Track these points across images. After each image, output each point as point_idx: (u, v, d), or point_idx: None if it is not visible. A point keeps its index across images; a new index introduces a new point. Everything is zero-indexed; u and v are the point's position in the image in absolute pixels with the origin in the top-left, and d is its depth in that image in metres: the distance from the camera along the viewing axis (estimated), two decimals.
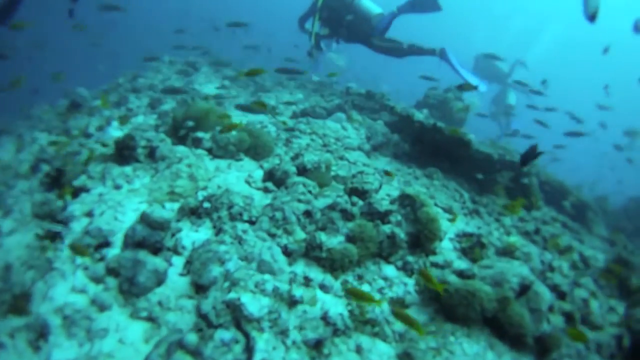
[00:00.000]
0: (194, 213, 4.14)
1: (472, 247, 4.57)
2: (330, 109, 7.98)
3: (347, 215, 3.95)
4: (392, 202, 4.37)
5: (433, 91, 10.16)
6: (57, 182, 4.64)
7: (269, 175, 4.84)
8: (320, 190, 4.40)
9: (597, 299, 4.68)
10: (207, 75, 10.69)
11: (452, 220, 4.84)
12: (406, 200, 4.15)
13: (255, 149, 5.56)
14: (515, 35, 46.24)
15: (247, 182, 4.82)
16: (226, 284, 3.02)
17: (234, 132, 5.38)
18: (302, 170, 4.76)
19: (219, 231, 3.69)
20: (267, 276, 3.06)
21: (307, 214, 3.87)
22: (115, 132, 6.16)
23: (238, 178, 4.91)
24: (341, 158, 6.01)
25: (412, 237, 4.04)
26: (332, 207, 3.97)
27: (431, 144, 6.80)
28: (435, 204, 5.57)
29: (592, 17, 4.96)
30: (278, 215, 3.75)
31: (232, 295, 2.88)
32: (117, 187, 4.45)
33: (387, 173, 4.98)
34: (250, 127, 5.77)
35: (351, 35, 9.00)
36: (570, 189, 9.09)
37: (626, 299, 5.26)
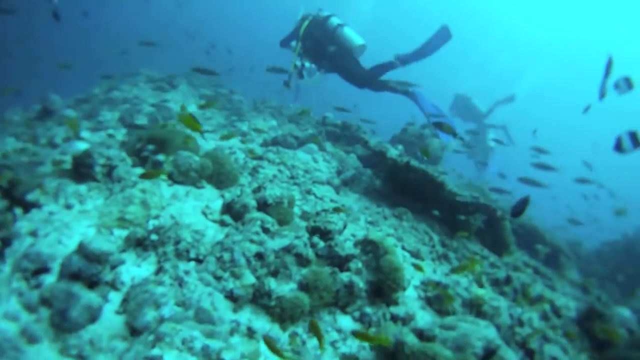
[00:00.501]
0: (140, 244, 3.81)
1: (437, 297, 4.30)
2: (303, 139, 7.72)
3: (302, 261, 3.64)
4: (356, 245, 4.11)
5: (410, 126, 9.99)
6: (9, 194, 4.30)
7: (228, 208, 4.52)
8: (278, 229, 4.11)
9: (567, 356, 4.46)
10: (184, 94, 10.42)
11: (418, 268, 4.56)
12: (369, 246, 3.88)
13: (219, 176, 5.26)
14: (499, 74, 47.12)
15: (204, 213, 4.50)
16: (151, 338, 2.68)
17: (196, 158, 5.09)
18: (263, 205, 4.44)
19: (159, 270, 3.35)
20: (196, 332, 2.71)
21: (259, 256, 3.54)
22: (82, 145, 5.87)
23: (195, 208, 4.59)
24: (308, 192, 5.73)
25: (373, 286, 3.75)
26: (287, 249, 3.67)
27: (404, 183, 6.57)
28: (403, 247, 5.31)
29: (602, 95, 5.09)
30: (226, 256, 3.43)
31: (155, 351, 2.54)
32: (69, 207, 4.11)
33: (336, 210, 4.70)
34: (215, 153, 5.48)
35: (333, 67, 8.76)
36: (543, 233, 8.99)
37: (598, 353, 5.05)
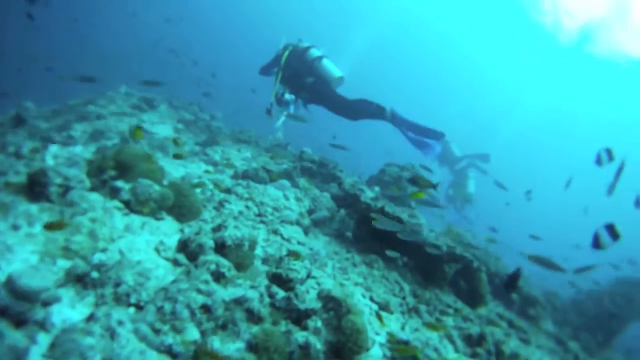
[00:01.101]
0: (80, 280, 3.43)
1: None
2: (276, 174, 7.39)
3: (254, 317, 3.27)
4: (319, 296, 3.77)
5: (389, 167, 9.72)
6: None
7: (183, 246, 4.15)
8: (234, 275, 3.74)
9: None
10: (162, 116, 10.09)
11: (380, 319, 4.23)
12: (331, 303, 3.53)
13: (180, 208, 4.89)
14: (481, 123, 47.92)
15: (157, 250, 4.11)
16: None
17: (157, 187, 4.74)
18: (221, 246, 4.07)
19: (91, 317, 2.96)
20: None
21: (206, 308, 3.17)
22: (50, 159, 5.53)
23: (148, 243, 4.20)
24: (275, 232, 5.38)
25: (333, 347, 3.40)
26: (239, 301, 3.30)
27: (377, 228, 6.27)
28: (372, 299, 4.97)
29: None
30: (167, 307, 3.04)
31: None
32: (16, 228, 3.72)
33: (292, 253, 4.35)
34: (178, 183, 5.13)
35: (311, 98, 8.60)
36: (521, 285, 8.77)
37: None
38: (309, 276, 4.14)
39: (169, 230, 4.57)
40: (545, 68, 41.67)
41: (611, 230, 4.63)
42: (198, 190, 5.78)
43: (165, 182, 5.22)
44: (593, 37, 33.87)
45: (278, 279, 3.92)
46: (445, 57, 49.74)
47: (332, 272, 5.07)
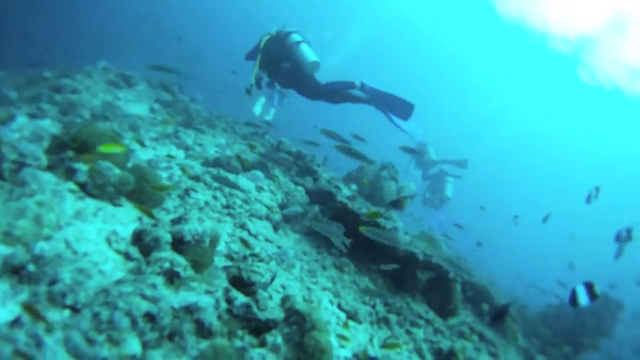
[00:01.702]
0: (16, 273, 3.05)
1: None
2: (251, 163, 7.01)
3: (204, 331, 2.91)
4: (283, 306, 3.44)
5: (369, 165, 9.42)
6: None
7: (137, 238, 3.77)
8: (190, 276, 3.37)
9: None
10: (140, 95, 9.63)
11: (343, 339, 3.92)
12: (294, 317, 3.20)
13: (140, 195, 4.51)
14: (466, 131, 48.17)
15: (108, 241, 3.72)
16: None
17: (117, 170, 4.36)
18: (179, 242, 3.70)
19: (16, 321, 2.58)
20: None
21: (150, 317, 2.78)
22: (13, 133, 5.10)
23: (100, 232, 3.80)
24: (242, 227, 5.03)
25: None
26: (190, 309, 2.94)
27: (351, 228, 5.95)
28: (340, 306, 4.66)
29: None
30: (104, 314, 2.64)
31: None
32: None
33: (253, 255, 4.02)
34: (142, 167, 4.73)
35: (287, 82, 8.65)
36: (493, 295, 8.64)
37: None
38: (273, 280, 3.80)
39: (126, 219, 4.19)
40: (537, 79, 41.69)
41: (589, 289, 4.55)
42: (165, 174, 5.41)
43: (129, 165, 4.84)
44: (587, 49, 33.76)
45: (239, 282, 3.58)
46: (434, 59, 49.68)
47: (299, 275, 4.75)
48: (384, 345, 4.31)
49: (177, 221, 3.91)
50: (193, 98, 11.83)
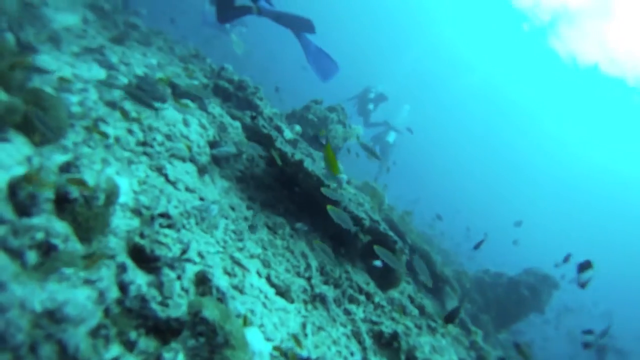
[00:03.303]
0: None
1: None
2: (183, 90, 5.87)
3: (66, 357, 1.93)
4: (197, 282, 2.55)
5: (315, 105, 8.43)
6: None
7: (12, 191, 2.72)
8: (68, 253, 2.38)
9: None
10: (74, 3, 8.14)
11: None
12: (201, 326, 2.27)
13: (35, 126, 3.41)
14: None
15: None
16: None
17: (2, 96, 3.28)
18: (63, 200, 2.69)
19: None
20: None
21: None
22: None
23: None
24: (159, 170, 4.02)
25: None
26: (54, 317, 1.95)
27: (290, 177, 5.05)
28: (269, 278, 3.80)
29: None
30: None
31: None
32: None
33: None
34: (40, 91, 3.58)
35: None
36: (435, 261, 8.14)
37: None
38: (185, 252, 2.87)
39: (10, 159, 3.10)
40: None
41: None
42: (75, 99, 4.28)
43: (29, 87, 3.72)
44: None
45: (139, 255, 2.65)
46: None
47: (223, 237, 3.83)
48: None
49: (65, 168, 2.88)
50: (136, 12, 10.48)
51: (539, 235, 42.96)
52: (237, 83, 7.25)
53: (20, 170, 3.00)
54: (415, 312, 5.70)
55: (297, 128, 7.36)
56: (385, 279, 5.58)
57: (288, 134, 5.42)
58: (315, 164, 5.56)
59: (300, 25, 7.14)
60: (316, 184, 4.67)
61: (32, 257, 2.27)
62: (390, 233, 5.18)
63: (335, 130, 8.03)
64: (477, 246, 6.94)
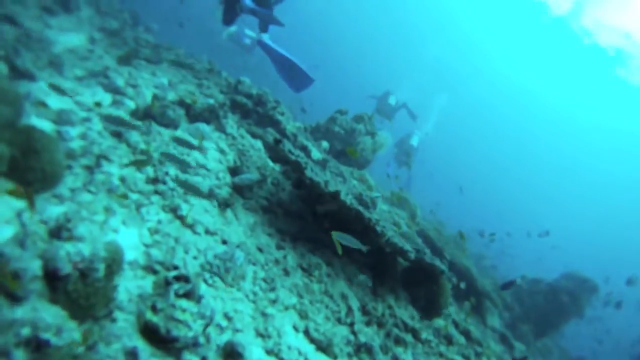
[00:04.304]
0: None
1: None
2: (197, 111, 5.34)
3: None
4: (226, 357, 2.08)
5: (341, 116, 7.90)
6: None
7: None
8: (60, 347, 1.88)
9: None
10: (80, 22, 7.71)
11: None
12: None
13: (25, 173, 2.92)
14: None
15: None
16: None
17: None
18: (52, 277, 2.15)
19: None
20: None
21: None
22: None
23: None
24: (173, 212, 3.52)
25: None
26: None
27: (326, 215, 4.56)
28: (307, 332, 3.31)
29: None
30: None
31: None
32: None
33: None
34: (32, 130, 3.08)
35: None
36: (475, 278, 7.68)
37: None
38: (208, 326, 2.38)
39: None
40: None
41: None
42: (75, 132, 3.81)
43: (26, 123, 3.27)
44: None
45: (153, 335, 2.16)
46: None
47: (251, 289, 3.31)
48: None
49: (56, 232, 2.39)
50: (149, 27, 10.12)
51: (577, 238, 41.98)
52: (256, 97, 6.74)
53: (9, 232, 2.52)
54: (462, 340, 5.29)
55: (325, 144, 6.84)
56: (429, 309, 5.11)
57: (316, 153, 4.93)
58: (346, 184, 5.09)
59: (272, 21, 7.70)
60: (355, 216, 4.13)
61: (20, 356, 1.81)
62: (437, 262, 4.65)
63: (364, 142, 7.53)
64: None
